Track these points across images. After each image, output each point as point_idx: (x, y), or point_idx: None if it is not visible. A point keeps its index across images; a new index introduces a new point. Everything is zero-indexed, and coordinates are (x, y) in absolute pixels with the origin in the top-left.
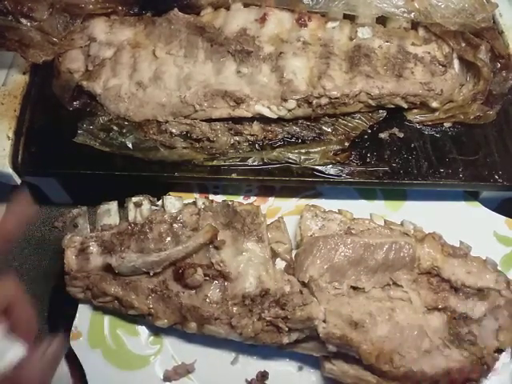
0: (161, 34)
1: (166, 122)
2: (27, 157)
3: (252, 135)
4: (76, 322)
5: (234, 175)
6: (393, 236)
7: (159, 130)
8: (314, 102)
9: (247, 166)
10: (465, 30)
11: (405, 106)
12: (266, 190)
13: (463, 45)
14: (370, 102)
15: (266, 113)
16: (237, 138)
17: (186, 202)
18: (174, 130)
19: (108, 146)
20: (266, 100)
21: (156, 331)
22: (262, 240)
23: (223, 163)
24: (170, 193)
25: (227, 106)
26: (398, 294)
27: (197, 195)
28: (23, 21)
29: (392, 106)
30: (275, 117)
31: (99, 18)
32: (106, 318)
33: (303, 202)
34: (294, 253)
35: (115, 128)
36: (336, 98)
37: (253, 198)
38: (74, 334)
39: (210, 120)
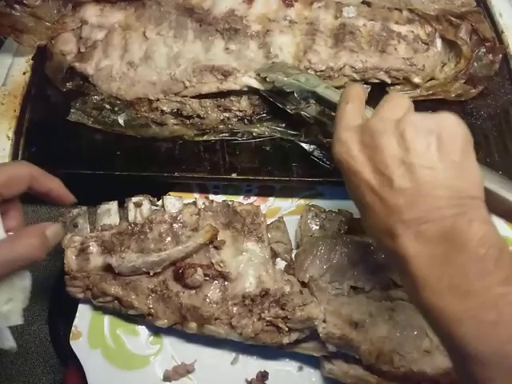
0: (151, 16)
1: (157, 99)
2: (27, 157)
3: (241, 111)
4: (76, 321)
5: (234, 175)
6: None
7: (150, 107)
8: None
9: (237, 140)
10: (446, 13)
11: (388, 80)
12: (266, 190)
13: (445, 25)
14: (355, 75)
15: (253, 84)
16: (226, 114)
17: (186, 201)
18: (164, 108)
19: (100, 123)
20: (252, 72)
21: (156, 331)
22: (262, 240)
23: (213, 138)
24: (170, 193)
25: (215, 79)
26: (398, 294)
27: (197, 195)
28: (16, 7)
29: (376, 81)
30: (263, 88)
31: (90, 3)
32: (106, 318)
33: (303, 202)
34: (294, 253)
35: (107, 106)
36: (321, 71)
37: (253, 198)
38: (74, 334)
39: (199, 96)
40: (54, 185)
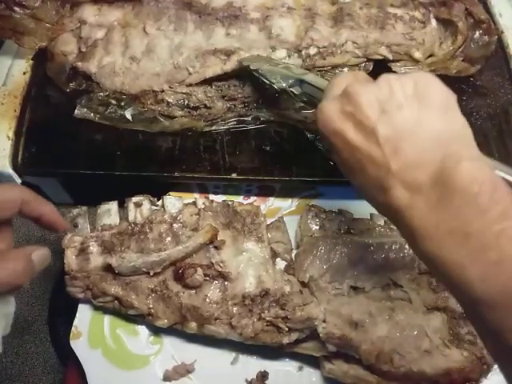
0: (149, 12)
1: (162, 91)
2: (27, 157)
3: (246, 97)
4: (76, 321)
5: (234, 175)
6: (393, 236)
7: (156, 100)
8: (304, 51)
9: (245, 127)
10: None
11: (390, 56)
12: (266, 190)
13: (438, 6)
14: (357, 51)
15: None
16: (232, 102)
17: (186, 201)
18: (170, 100)
19: (107, 119)
20: (255, 51)
21: (156, 331)
22: (261, 240)
23: (222, 128)
24: (170, 193)
25: (219, 60)
26: (397, 294)
27: (197, 195)
28: (16, 9)
29: (378, 57)
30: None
31: (87, 3)
32: (106, 318)
33: (303, 202)
34: (294, 253)
35: (113, 102)
36: (324, 47)
37: (253, 198)
38: (74, 334)
39: (204, 82)
40: (46, 210)
